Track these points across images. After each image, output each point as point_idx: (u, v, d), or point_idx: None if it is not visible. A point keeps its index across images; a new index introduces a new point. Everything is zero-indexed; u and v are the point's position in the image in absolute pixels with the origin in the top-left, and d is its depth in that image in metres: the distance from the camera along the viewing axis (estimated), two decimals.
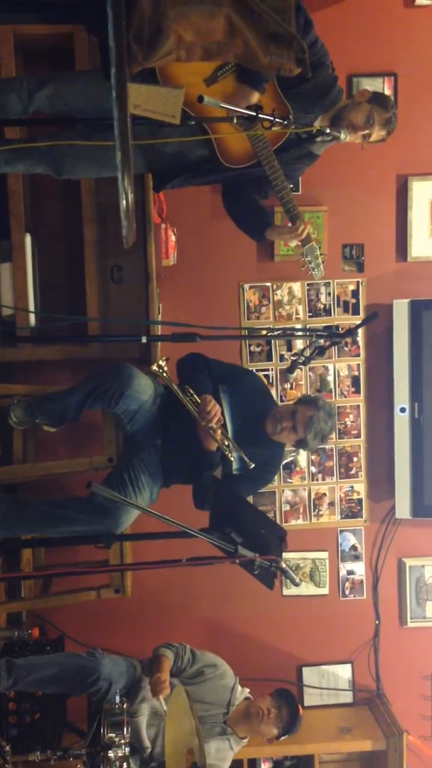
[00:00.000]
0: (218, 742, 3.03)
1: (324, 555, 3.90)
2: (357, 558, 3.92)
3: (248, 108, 2.20)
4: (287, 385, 3.80)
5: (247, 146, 2.56)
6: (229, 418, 2.97)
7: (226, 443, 2.87)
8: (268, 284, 3.79)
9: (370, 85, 3.65)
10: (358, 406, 3.87)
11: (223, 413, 2.91)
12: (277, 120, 2.22)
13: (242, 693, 3.19)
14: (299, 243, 2.75)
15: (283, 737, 3.11)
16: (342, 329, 2.68)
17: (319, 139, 2.65)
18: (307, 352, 2.74)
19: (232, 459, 2.87)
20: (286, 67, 2.00)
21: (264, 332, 3.68)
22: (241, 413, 3.00)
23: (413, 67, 3.72)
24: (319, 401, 2.98)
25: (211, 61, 2.21)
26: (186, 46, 1.92)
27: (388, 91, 3.69)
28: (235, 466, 2.91)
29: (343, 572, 3.92)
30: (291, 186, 2.66)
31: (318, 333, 2.70)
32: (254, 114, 2.17)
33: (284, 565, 2.07)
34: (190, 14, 1.87)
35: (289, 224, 2.71)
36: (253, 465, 2.85)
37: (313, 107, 2.65)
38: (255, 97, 2.48)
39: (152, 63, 1.91)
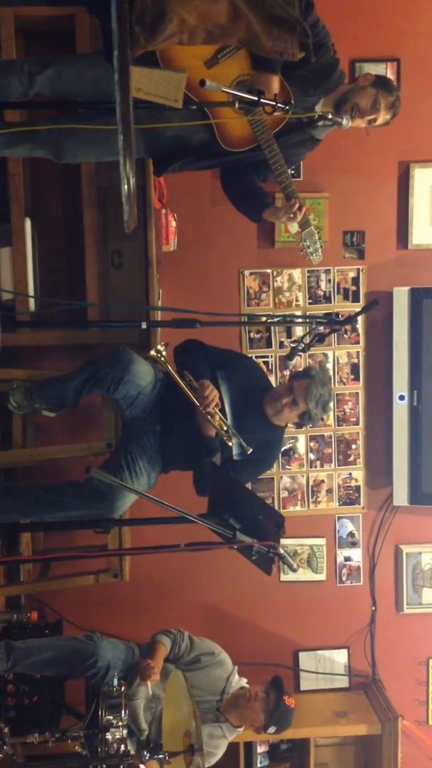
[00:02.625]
0: (211, 729, 3.04)
1: (321, 541, 3.92)
2: (354, 544, 3.94)
3: (250, 93, 2.19)
4: (287, 372, 3.80)
5: (247, 130, 2.55)
6: (228, 404, 2.97)
7: (225, 428, 2.87)
8: (268, 271, 3.78)
9: (373, 70, 3.58)
10: (357, 393, 3.88)
11: (221, 398, 2.91)
12: (279, 105, 2.20)
13: (238, 682, 3.19)
14: (298, 228, 2.73)
15: (270, 729, 3.08)
16: (342, 316, 2.67)
17: (320, 123, 2.63)
18: (307, 339, 2.74)
19: (231, 444, 2.87)
20: (289, 51, 2.00)
21: (264, 319, 3.67)
22: (239, 398, 3.00)
23: (417, 53, 3.70)
24: (312, 370, 2.99)
25: (214, 44, 2.20)
26: (189, 29, 1.91)
27: (390, 77, 3.65)
28: (234, 451, 2.91)
29: (340, 558, 3.94)
30: (291, 171, 2.65)
31: (318, 320, 2.69)
32: (256, 99, 2.16)
33: (282, 551, 2.08)
34: None
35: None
36: (251, 450, 2.86)
37: (315, 90, 2.63)
38: (277, 82, 2.45)
39: (155, 46, 1.90)
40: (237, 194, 2.88)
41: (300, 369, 3.81)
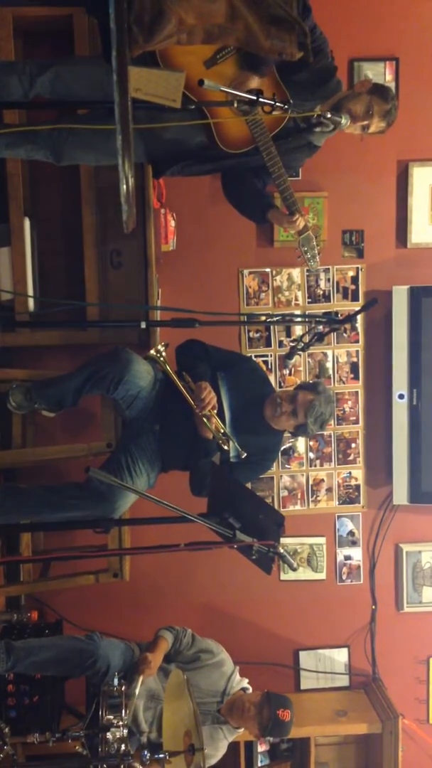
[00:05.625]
0: (211, 730, 3.00)
1: (321, 540, 3.92)
2: (354, 543, 3.94)
3: (249, 92, 2.19)
4: (286, 371, 3.80)
5: (246, 132, 2.54)
6: (228, 405, 2.97)
7: (221, 431, 2.87)
8: (268, 270, 3.78)
9: (372, 69, 3.63)
10: (357, 392, 3.88)
11: (220, 400, 2.92)
12: (277, 105, 2.20)
13: (239, 683, 3.16)
14: (296, 233, 2.74)
15: (269, 738, 3.03)
16: (341, 315, 2.67)
17: (318, 129, 2.65)
18: (306, 338, 2.74)
19: (227, 448, 2.87)
20: (287, 50, 1.99)
21: (263, 318, 3.67)
22: (239, 400, 3.00)
23: (415, 52, 3.69)
24: (320, 386, 2.99)
25: (212, 44, 2.20)
26: (187, 29, 1.91)
27: (389, 76, 3.66)
28: (231, 454, 2.91)
29: (340, 557, 3.94)
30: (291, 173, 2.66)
31: (317, 319, 2.69)
32: (255, 98, 2.16)
33: (282, 550, 2.08)
34: None
35: (287, 212, 2.71)
36: (246, 454, 2.86)
37: (312, 96, 2.64)
38: (254, 82, 2.46)
39: (153, 46, 1.90)
40: (239, 198, 2.88)
41: (300, 368, 3.81)
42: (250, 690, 3.17)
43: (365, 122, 2.65)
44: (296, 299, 3.80)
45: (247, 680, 3.21)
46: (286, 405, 2.94)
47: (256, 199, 2.83)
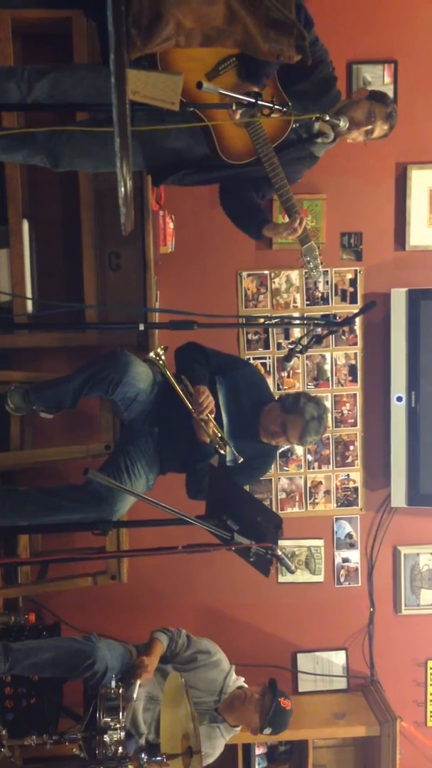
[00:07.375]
0: (208, 729, 3.03)
1: (319, 543, 3.92)
2: (352, 546, 3.94)
3: (247, 95, 2.19)
4: (284, 374, 3.80)
5: (248, 143, 2.54)
6: (225, 410, 2.97)
7: (218, 436, 2.87)
8: (266, 272, 3.78)
9: (370, 72, 3.64)
10: (355, 394, 3.88)
11: (218, 405, 2.92)
12: (276, 107, 2.20)
13: (236, 682, 3.19)
14: (299, 241, 2.73)
15: (266, 731, 3.04)
16: (339, 318, 2.68)
17: (320, 139, 2.65)
18: (305, 341, 2.73)
19: (223, 452, 2.88)
20: (285, 53, 2.00)
21: (261, 320, 3.67)
22: (237, 405, 3.00)
23: (414, 55, 3.70)
24: (306, 411, 2.90)
25: (211, 47, 2.20)
26: (185, 32, 1.91)
27: (387, 79, 3.67)
28: (228, 458, 2.92)
29: (338, 560, 3.94)
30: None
31: (315, 321, 2.69)
32: (253, 101, 2.16)
33: (280, 553, 2.08)
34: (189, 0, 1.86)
35: (286, 218, 2.71)
36: (242, 459, 2.86)
37: (314, 105, 2.64)
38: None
39: (151, 49, 1.91)
40: (236, 211, 2.89)
41: (298, 370, 3.81)
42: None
43: (368, 127, 2.66)
44: (295, 301, 3.80)
45: (243, 679, 3.23)
46: (278, 437, 2.96)
47: (254, 215, 2.83)
